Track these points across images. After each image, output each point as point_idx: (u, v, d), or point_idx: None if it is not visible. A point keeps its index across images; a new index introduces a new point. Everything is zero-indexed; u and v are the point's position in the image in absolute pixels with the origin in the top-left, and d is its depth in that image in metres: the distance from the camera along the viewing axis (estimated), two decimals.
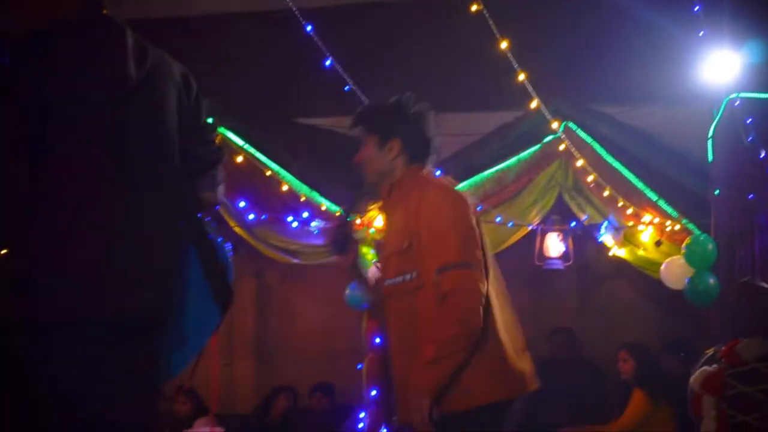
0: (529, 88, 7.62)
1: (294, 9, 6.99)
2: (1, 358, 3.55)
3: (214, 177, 4.05)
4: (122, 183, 3.60)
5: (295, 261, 9.24)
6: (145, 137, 3.71)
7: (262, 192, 8.85)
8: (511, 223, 8.81)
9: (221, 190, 4.12)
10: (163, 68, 3.86)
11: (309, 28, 7.18)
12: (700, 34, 7.26)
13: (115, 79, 3.65)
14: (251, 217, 8.88)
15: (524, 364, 4.81)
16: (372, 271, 8.53)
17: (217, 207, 4.19)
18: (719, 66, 7.60)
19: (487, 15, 6.79)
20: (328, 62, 7.46)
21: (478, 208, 8.65)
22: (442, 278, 4.45)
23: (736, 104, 8.03)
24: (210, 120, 4.13)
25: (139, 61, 3.72)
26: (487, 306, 4.53)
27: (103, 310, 3.51)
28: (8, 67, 3.64)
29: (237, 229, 9.00)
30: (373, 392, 8.84)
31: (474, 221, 4.68)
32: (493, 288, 4.71)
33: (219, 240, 3.96)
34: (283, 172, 8.88)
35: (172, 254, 3.77)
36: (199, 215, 3.92)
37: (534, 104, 7.90)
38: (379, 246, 4.73)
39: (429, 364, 4.38)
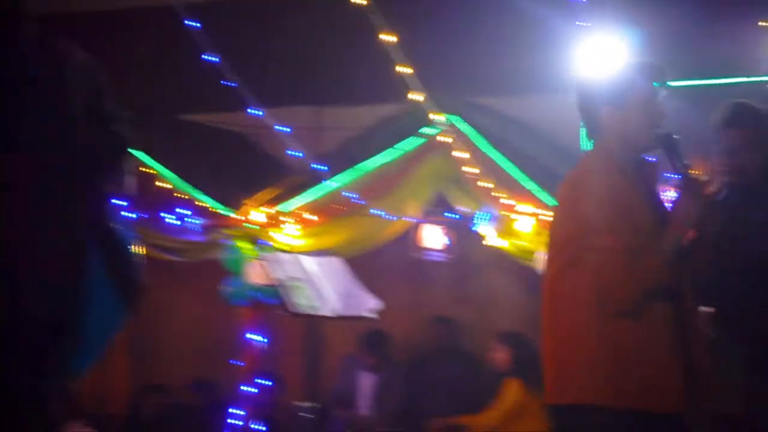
0: (410, 81, 7.67)
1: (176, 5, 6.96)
2: None
3: (121, 165, 3.96)
4: (15, 181, 3.52)
5: (176, 259, 9.15)
6: (40, 131, 3.63)
7: (143, 190, 8.75)
8: (391, 216, 8.80)
9: (129, 181, 4.04)
10: (62, 59, 3.77)
11: (191, 23, 7.11)
12: (577, 23, 7.34)
13: (11, 72, 3.56)
14: (129, 214, 8.74)
15: None
16: (253, 266, 8.56)
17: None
18: (594, 55, 7.66)
19: (369, 8, 6.79)
20: (210, 58, 7.40)
21: (361, 202, 8.72)
22: None
23: None
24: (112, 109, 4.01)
25: (37, 54, 3.64)
26: None
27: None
28: None
29: None
30: (250, 389, 8.86)
31: None
32: None
33: (125, 232, 3.88)
34: (163, 170, 8.76)
35: (73, 253, 3.69)
36: (102, 209, 3.84)
37: (414, 97, 7.92)
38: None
39: None
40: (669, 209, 4.32)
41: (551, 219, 4.67)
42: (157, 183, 8.80)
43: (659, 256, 4.16)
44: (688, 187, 4.25)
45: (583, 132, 8.22)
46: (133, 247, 3.83)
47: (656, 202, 4.46)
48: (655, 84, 4.57)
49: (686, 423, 4.35)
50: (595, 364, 4.23)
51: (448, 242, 9.59)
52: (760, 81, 7.78)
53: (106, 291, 3.76)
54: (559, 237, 4.47)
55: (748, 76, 7.87)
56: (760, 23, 7.50)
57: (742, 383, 5.26)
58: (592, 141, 4.61)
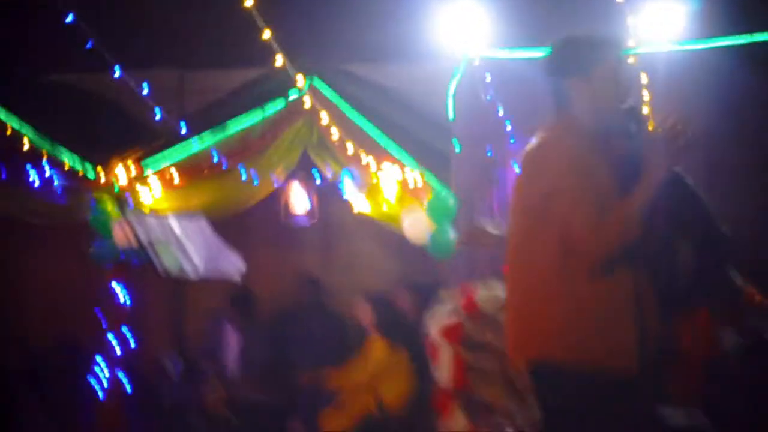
0: (274, 45, 7.62)
1: None
2: None
3: None
4: None
5: (34, 220, 9.03)
6: None
7: (2, 148, 8.65)
8: (256, 180, 8.78)
9: None
10: None
11: None
12: None
13: None
14: None
15: None
16: (119, 227, 8.50)
17: None
18: (462, 24, 7.70)
19: None
20: (73, 18, 7.33)
21: (227, 164, 8.71)
22: None
23: (475, 63, 8.21)
24: None
25: None
26: None
27: None
28: None
29: None
30: (114, 343, 8.86)
31: None
32: None
33: None
34: (25, 129, 8.64)
35: None
36: None
37: (279, 61, 7.86)
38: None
39: None
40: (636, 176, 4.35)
41: (515, 185, 4.63)
42: (21, 142, 8.63)
43: (630, 208, 4.19)
44: (652, 154, 4.25)
45: (449, 101, 8.40)
46: None
47: (623, 171, 4.42)
48: (620, 56, 4.63)
49: (637, 385, 4.41)
50: (562, 323, 4.32)
51: (313, 206, 9.58)
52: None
53: None
54: (526, 202, 4.49)
55: None
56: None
57: None
58: (559, 110, 4.53)
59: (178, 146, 8.75)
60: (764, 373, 6.96)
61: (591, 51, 4.55)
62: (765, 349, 6.99)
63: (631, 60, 7.80)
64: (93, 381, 9.07)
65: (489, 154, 8.54)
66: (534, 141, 4.47)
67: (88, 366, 9.24)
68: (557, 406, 4.43)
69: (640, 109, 4.54)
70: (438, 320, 6.46)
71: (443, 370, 6.35)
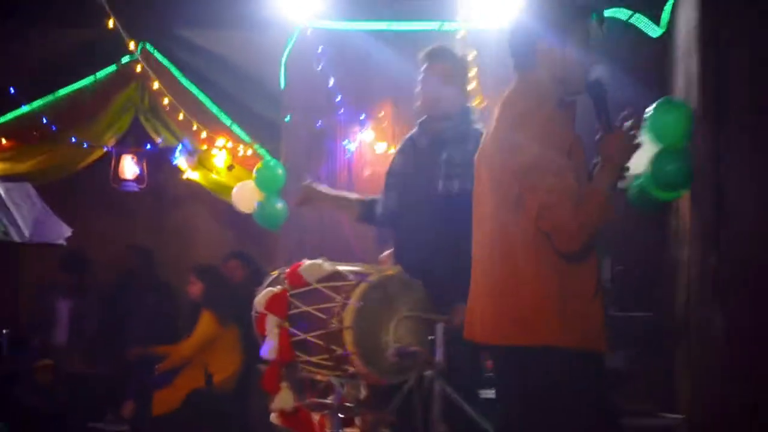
0: (106, 7, 7.59)
1: None
2: None
3: None
4: None
5: None
6: None
7: None
8: (86, 144, 8.75)
9: None
10: None
11: None
12: None
13: None
14: None
15: None
16: None
17: None
18: None
19: None
20: None
21: (52, 128, 8.60)
22: None
23: (308, 33, 8.23)
24: None
25: None
26: None
27: None
28: None
29: None
30: None
31: None
32: None
33: None
34: None
35: None
36: None
37: (111, 23, 7.80)
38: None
39: None
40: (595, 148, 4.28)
41: (483, 151, 4.53)
42: None
43: (601, 195, 4.11)
44: (614, 127, 4.26)
45: (282, 71, 8.40)
46: None
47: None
48: (591, 22, 4.48)
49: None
50: (546, 307, 4.25)
51: (143, 172, 9.53)
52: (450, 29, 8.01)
53: None
54: (499, 173, 4.36)
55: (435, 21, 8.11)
56: None
57: None
58: (520, 75, 4.42)
59: (5, 108, 8.68)
60: None
61: (570, 9, 4.44)
62: None
63: (460, 36, 7.89)
64: None
65: (318, 125, 8.51)
66: (506, 108, 4.36)
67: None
68: (540, 387, 4.36)
69: (604, 85, 4.44)
70: (264, 292, 6.46)
71: (270, 344, 6.34)
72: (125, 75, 8.68)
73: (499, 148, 4.38)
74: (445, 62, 5.83)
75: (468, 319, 4.61)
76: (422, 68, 5.87)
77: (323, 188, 5.94)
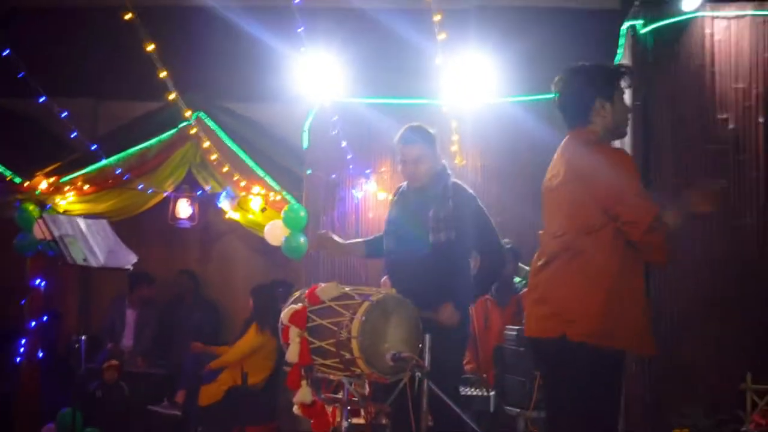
0: (169, 84, 7.53)
1: None
2: None
3: None
4: None
5: None
6: None
7: None
8: (150, 190, 8.74)
9: None
10: None
11: None
12: (302, 49, 7.33)
13: None
14: None
15: None
16: (38, 225, 8.26)
17: None
18: (316, 76, 7.63)
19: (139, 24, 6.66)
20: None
21: (125, 177, 8.57)
22: None
23: (326, 106, 8.20)
24: None
25: None
26: None
27: None
28: None
29: None
30: (33, 323, 8.61)
31: None
32: None
33: None
34: None
35: None
36: None
37: (172, 97, 7.76)
38: None
39: None
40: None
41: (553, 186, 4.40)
42: None
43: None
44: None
45: (304, 132, 8.33)
46: None
47: None
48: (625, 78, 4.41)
49: None
50: (633, 316, 4.16)
51: (194, 212, 9.51)
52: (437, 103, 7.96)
53: None
54: (580, 198, 4.24)
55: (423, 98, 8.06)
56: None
57: None
58: (574, 132, 4.37)
59: (89, 162, 8.64)
60: None
61: (612, 72, 4.42)
62: None
63: (444, 109, 7.86)
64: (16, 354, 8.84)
65: (333, 177, 8.54)
66: (578, 148, 4.30)
67: (12, 341, 9.00)
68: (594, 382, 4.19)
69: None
70: (288, 309, 6.38)
71: (292, 350, 6.24)
72: (182, 136, 8.64)
73: (576, 179, 4.26)
74: (415, 143, 5.74)
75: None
76: (398, 148, 5.79)
77: (335, 237, 5.87)
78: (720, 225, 6.78)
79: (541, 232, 4.48)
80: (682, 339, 6.73)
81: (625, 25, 7.21)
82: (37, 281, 8.73)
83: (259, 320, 8.79)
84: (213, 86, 8.89)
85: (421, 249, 5.62)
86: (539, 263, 4.44)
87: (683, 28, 6.98)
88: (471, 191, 5.85)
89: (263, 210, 8.67)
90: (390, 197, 6.69)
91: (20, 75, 7.45)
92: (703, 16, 6.97)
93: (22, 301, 8.77)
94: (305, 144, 8.62)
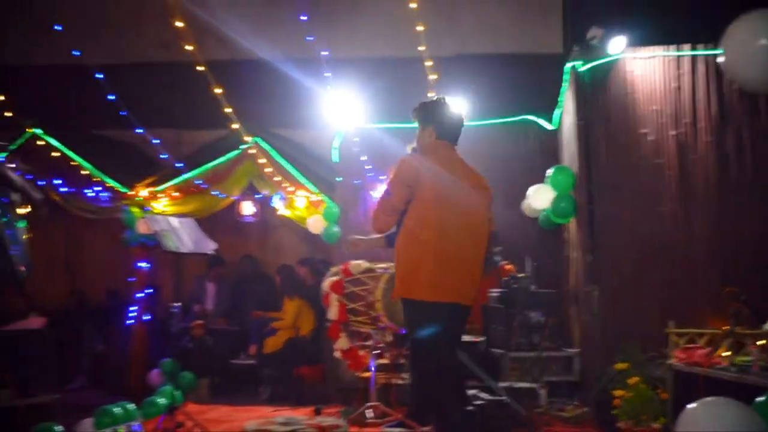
0: (233, 116, 7.66)
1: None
2: None
3: None
4: None
5: (90, 216, 8.90)
6: None
7: (71, 175, 8.56)
8: (223, 195, 8.75)
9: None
10: None
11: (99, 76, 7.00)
12: (328, 88, 7.45)
13: None
14: (64, 190, 8.58)
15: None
16: (140, 223, 8.41)
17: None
18: (339, 105, 7.76)
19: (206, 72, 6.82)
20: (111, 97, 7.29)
21: (204, 186, 8.67)
22: None
23: (351, 129, 8.30)
24: None
25: None
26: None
27: None
28: None
29: (55, 197, 8.65)
30: (140, 295, 8.74)
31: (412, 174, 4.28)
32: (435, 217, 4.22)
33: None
34: (83, 162, 8.57)
35: None
36: None
37: (235, 126, 7.90)
38: None
39: None
40: None
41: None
42: (82, 171, 8.55)
43: None
44: None
45: (335, 150, 8.45)
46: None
47: None
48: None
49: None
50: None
51: (256, 211, 9.60)
52: None
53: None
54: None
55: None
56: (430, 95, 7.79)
57: None
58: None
59: (176, 175, 8.67)
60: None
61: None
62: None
63: None
64: (127, 318, 8.91)
65: (356, 182, 8.60)
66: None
67: (125, 308, 9.10)
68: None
69: None
70: (329, 280, 6.52)
71: (332, 310, 6.40)
72: (244, 155, 8.62)
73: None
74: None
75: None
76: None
77: (360, 237, 5.99)
78: (645, 212, 6.91)
79: None
80: (621, 295, 6.85)
81: (569, 65, 7.31)
82: (141, 264, 8.75)
83: (287, 292, 8.93)
84: (265, 117, 8.90)
85: None
86: None
87: (611, 66, 7.04)
88: None
89: (306, 208, 8.71)
90: None
91: (123, 113, 7.61)
92: (625, 57, 7.04)
93: (130, 279, 8.82)
94: (335, 158, 8.70)
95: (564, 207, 7.23)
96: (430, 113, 4.53)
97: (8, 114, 7.50)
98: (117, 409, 5.94)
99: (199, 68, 6.76)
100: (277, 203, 8.85)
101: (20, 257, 3.75)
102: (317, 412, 6.91)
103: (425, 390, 4.43)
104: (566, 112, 7.79)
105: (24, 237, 3.99)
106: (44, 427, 5.42)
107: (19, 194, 3.93)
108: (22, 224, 3.92)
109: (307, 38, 6.85)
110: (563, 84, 7.65)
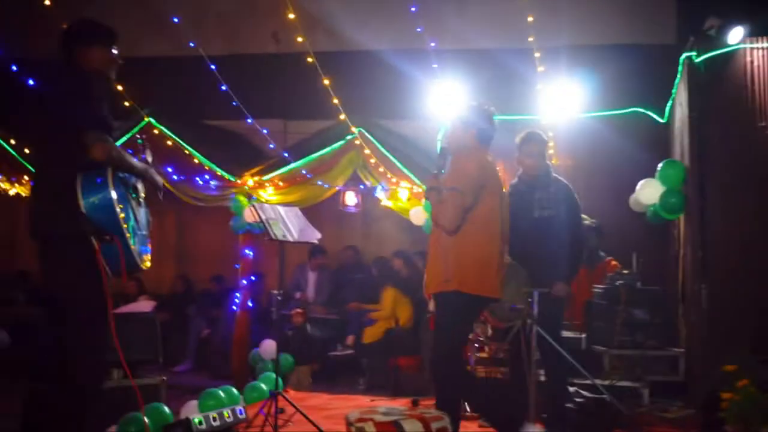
0: (339, 107, 7.76)
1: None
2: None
3: (86, 134, 3.58)
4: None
5: (200, 204, 9.11)
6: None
7: (182, 163, 8.78)
8: (327, 185, 8.84)
9: (101, 144, 3.73)
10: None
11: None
12: (435, 79, 7.42)
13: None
14: (175, 177, 8.81)
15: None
16: (247, 211, 8.56)
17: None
18: (444, 97, 7.68)
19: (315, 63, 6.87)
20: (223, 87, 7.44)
21: (309, 176, 8.76)
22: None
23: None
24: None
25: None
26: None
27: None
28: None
29: (166, 185, 8.87)
30: (244, 281, 8.91)
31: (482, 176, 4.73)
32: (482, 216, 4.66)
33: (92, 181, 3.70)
34: (195, 152, 8.76)
35: (49, 196, 3.66)
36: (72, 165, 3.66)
37: (342, 117, 7.98)
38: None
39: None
40: None
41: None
42: (195, 160, 8.74)
43: None
44: None
45: (438, 141, 8.39)
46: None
47: None
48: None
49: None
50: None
51: (359, 201, 9.63)
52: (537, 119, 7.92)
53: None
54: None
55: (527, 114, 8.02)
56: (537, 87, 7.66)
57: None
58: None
59: (282, 165, 8.78)
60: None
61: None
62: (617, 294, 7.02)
63: (542, 122, 7.79)
64: (232, 302, 9.15)
65: None
66: None
67: (230, 294, 9.32)
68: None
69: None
70: None
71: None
72: (349, 146, 8.69)
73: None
74: (533, 142, 5.75)
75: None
76: (520, 145, 5.79)
77: None
78: (760, 209, 6.56)
79: None
80: (731, 294, 6.56)
81: (683, 55, 7.06)
82: (247, 251, 8.88)
83: (383, 283, 8.97)
84: (370, 108, 8.88)
85: (529, 224, 5.60)
86: None
87: (728, 57, 6.76)
88: (566, 182, 5.87)
89: (408, 199, 8.75)
90: (504, 190, 6.74)
91: (234, 103, 7.76)
92: (744, 48, 6.78)
93: (236, 266, 8.96)
94: (438, 150, 8.61)
95: (674, 202, 6.98)
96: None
97: (127, 103, 7.71)
98: (221, 393, 6.05)
99: (309, 60, 6.83)
100: (381, 194, 8.94)
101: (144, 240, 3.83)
102: (415, 404, 6.88)
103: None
104: (678, 105, 7.52)
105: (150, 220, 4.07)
106: (153, 408, 5.57)
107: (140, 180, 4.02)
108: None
109: (417, 29, 6.82)
110: (677, 75, 7.39)
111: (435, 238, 4.78)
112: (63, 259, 3.61)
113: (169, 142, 8.63)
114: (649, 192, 7.17)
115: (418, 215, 8.49)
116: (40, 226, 3.63)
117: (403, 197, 8.75)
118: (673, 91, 7.68)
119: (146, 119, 8.63)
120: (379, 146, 8.62)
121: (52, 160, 3.67)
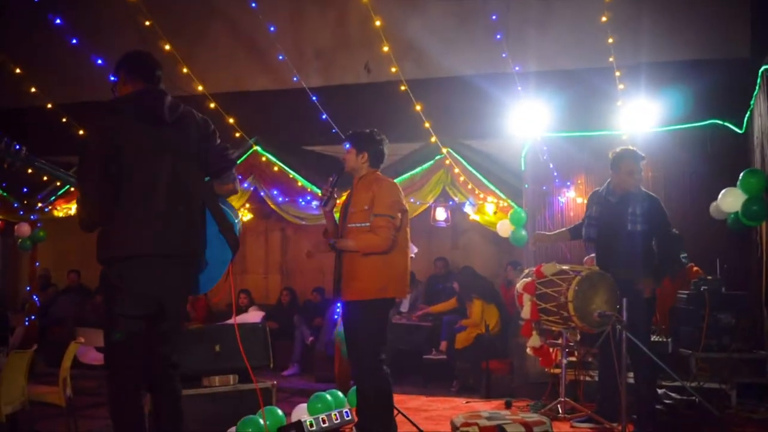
0: (430, 130, 7.80)
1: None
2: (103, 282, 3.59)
3: (229, 175, 3.86)
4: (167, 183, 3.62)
5: (302, 222, 9.29)
6: (177, 155, 3.70)
7: (287, 186, 8.94)
8: (418, 202, 8.86)
9: (236, 182, 3.96)
10: (188, 116, 3.81)
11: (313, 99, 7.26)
12: (519, 100, 7.38)
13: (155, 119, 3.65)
14: (280, 199, 8.97)
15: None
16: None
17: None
18: (527, 116, 7.63)
19: (407, 93, 6.93)
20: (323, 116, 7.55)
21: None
22: (374, 220, 4.67)
23: (537, 139, 8.17)
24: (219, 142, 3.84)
25: (172, 110, 3.72)
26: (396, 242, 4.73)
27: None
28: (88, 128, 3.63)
29: (272, 206, 9.09)
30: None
31: (401, 199, 4.87)
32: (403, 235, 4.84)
33: (230, 210, 3.88)
34: (297, 176, 8.93)
35: (200, 221, 3.76)
36: (216, 197, 3.81)
37: (433, 139, 8.02)
38: (344, 208, 4.93)
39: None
40: None
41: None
42: (297, 183, 8.89)
43: None
44: None
45: (522, 158, 8.35)
46: (233, 219, 3.85)
47: None
48: None
49: None
50: None
51: (448, 216, 9.62)
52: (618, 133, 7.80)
53: (219, 242, 3.80)
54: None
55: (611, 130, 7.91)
56: (618, 104, 7.53)
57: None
58: None
59: None
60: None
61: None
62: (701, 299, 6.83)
63: (624, 137, 7.65)
64: (334, 312, 9.16)
65: (543, 189, 8.43)
66: None
67: (331, 304, 9.37)
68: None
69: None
70: (522, 281, 6.44)
71: (525, 310, 6.31)
72: (438, 165, 8.76)
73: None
74: (632, 160, 5.68)
75: None
76: (619, 163, 5.72)
77: (545, 233, 5.87)
78: None
79: None
80: None
81: (762, 68, 6.85)
82: None
83: (466, 295, 8.88)
84: (457, 129, 8.96)
85: (621, 236, 5.57)
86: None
87: None
88: (656, 196, 5.77)
89: (495, 213, 8.72)
90: (585, 201, 6.66)
91: (333, 131, 7.87)
92: None
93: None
94: (523, 167, 8.51)
95: (756, 210, 6.75)
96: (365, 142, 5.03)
97: (237, 134, 7.95)
98: (328, 396, 6.12)
99: (402, 88, 6.93)
100: (469, 209, 8.91)
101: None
102: (508, 405, 6.82)
103: None
104: (757, 115, 7.30)
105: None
106: (268, 410, 5.68)
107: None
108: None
109: (503, 55, 6.81)
110: (755, 88, 7.18)
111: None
112: (195, 277, 3.78)
113: (275, 168, 8.83)
114: (730, 200, 6.96)
115: (504, 228, 8.48)
116: (192, 245, 3.78)
117: (490, 211, 8.73)
118: (752, 102, 7.45)
119: (254, 147, 8.84)
120: (466, 164, 8.63)
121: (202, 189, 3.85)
